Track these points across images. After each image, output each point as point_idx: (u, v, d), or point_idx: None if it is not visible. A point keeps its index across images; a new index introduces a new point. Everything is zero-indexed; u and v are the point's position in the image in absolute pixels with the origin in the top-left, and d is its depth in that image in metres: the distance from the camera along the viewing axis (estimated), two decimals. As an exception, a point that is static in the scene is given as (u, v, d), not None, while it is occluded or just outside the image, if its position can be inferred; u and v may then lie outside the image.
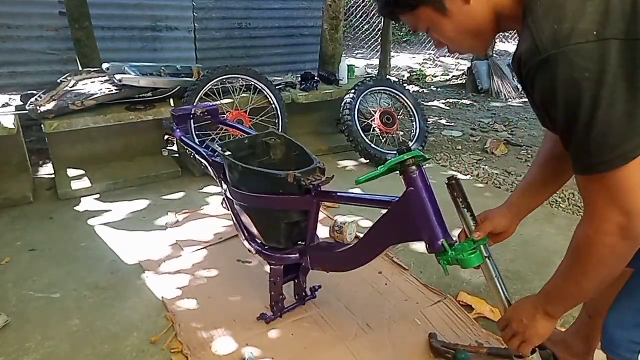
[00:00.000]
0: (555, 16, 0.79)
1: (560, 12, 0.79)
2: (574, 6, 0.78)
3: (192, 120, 2.48)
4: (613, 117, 0.77)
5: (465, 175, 3.45)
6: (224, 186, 1.77)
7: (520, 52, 0.85)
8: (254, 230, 1.73)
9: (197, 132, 3.15)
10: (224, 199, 1.87)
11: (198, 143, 2.14)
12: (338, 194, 1.56)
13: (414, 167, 1.26)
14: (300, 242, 1.70)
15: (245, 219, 1.74)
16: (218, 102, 3.24)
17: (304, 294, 1.87)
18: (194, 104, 3.01)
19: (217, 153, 1.75)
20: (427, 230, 1.26)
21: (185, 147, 2.10)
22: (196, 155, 1.97)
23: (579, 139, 0.82)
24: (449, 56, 8.94)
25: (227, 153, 1.66)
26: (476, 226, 1.23)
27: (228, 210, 1.86)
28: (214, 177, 1.86)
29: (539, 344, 1.14)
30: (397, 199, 1.35)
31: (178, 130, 2.19)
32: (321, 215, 2.62)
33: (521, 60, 0.85)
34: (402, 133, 3.99)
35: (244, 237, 1.80)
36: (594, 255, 0.91)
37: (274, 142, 1.80)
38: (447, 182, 1.23)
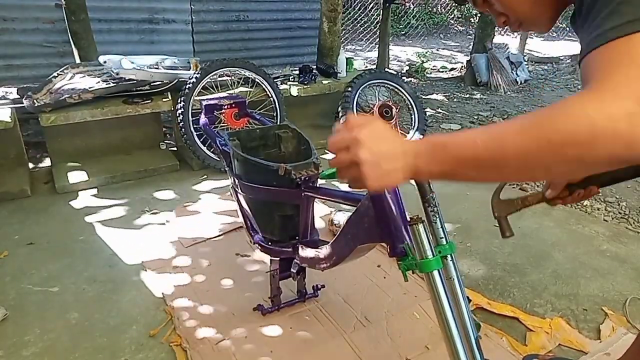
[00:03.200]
0: None
1: None
2: None
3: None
4: None
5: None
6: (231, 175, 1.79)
7: None
8: (253, 220, 1.73)
9: (195, 126, 3.14)
10: (232, 187, 1.88)
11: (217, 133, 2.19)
12: (323, 189, 1.55)
13: None
14: (296, 237, 1.70)
15: (246, 208, 1.75)
16: (216, 96, 3.22)
17: (304, 291, 1.87)
18: (219, 96, 3.05)
19: (225, 141, 1.77)
20: (389, 232, 1.17)
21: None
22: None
23: (595, 9, 0.66)
24: (447, 49, 8.92)
25: (235, 142, 1.67)
26: (438, 221, 1.06)
27: (234, 199, 1.87)
28: (225, 165, 1.89)
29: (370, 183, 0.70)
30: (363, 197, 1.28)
31: (204, 118, 2.29)
32: (323, 210, 2.63)
33: None
34: (400, 126, 3.98)
35: (245, 227, 1.80)
36: (567, 132, 0.60)
37: (286, 135, 1.80)
38: None
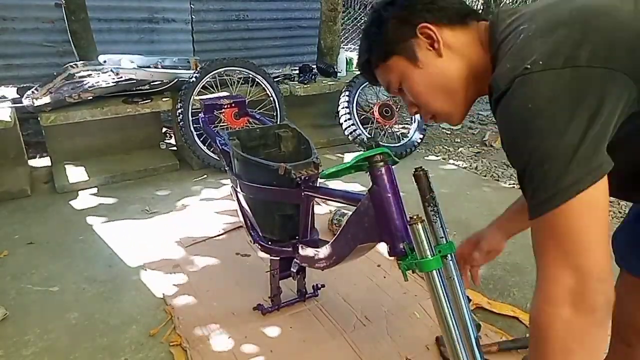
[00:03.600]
0: (510, 58, 0.75)
1: (516, 54, 0.74)
2: (529, 46, 0.73)
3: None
4: (556, 151, 0.68)
5: (464, 168, 3.44)
6: (230, 174, 1.79)
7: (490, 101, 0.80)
8: (253, 220, 1.73)
9: (195, 125, 3.14)
10: (232, 187, 1.88)
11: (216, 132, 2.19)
12: (323, 189, 1.54)
13: (380, 164, 1.19)
14: (296, 237, 1.70)
15: (246, 208, 1.75)
16: (216, 95, 3.22)
17: (304, 290, 1.87)
18: (219, 95, 3.05)
19: (224, 141, 1.76)
20: (389, 232, 1.17)
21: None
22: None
23: (525, 177, 0.73)
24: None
25: (235, 142, 1.67)
26: (438, 220, 1.12)
27: (234, 199, 1.87)
28: (225, 165, 1.89)
29: None
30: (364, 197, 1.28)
31: (203, 117, 2.30)
32: (323, 209, 2.62)
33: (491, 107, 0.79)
34: (401, 125, 3.98)
35: (245, 226, 1.80)
36: (551, 338, 0.72)
37: (286, 135, 1.80)
38: (414, 172, 1.14)
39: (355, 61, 4.39)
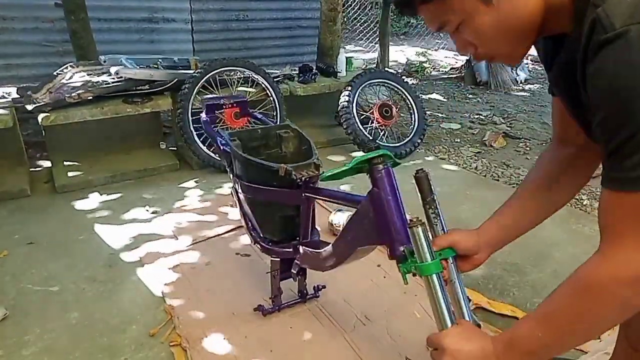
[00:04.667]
0: None
1: None
2: None
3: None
4: None
5: (464, 168, 3.44)
6: (231, 175, 1.79)
7: (576, 38, 0.70)
8: (254, 220, 1.73)
9: (195, 125, 3.14)
10: (232, 187, 1.88)
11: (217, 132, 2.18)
12: (323, 190, 1.54)
13: (380, 167, 1.18)
14: (297, 238, 1.70)
15: (247, 209, 1.75)
16: (217, 95, 3.22)
17: (305, 291, 1.87)
18: (221, 95, 3.03)
19: (225, 141, 1.76)
20: (389, 235, 1.16)
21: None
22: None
23: (625, 141, 0.65)
24: (446, 49, 8.91)
25: (236, 142, 1.66)
26: (439, 223, 1.11)
27: (234, 199, 1.87)
28: (225, 165, 1.89)
29: None
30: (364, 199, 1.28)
31: (205, 117, 2.30)
32: (323, 211, 2.62)
33: (577, 45, 0.69)
34: (401, 126, 3.98)
35: (245, 227, 1.80)
36: (599, 306, 0.74)
37: (287, 135, 1.79)
38: (414, 174, 1.12)
39: (355, 61, 4.40)
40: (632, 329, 1.09)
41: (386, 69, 5.24)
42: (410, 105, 3.78)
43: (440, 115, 4.86)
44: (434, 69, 7.41)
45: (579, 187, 1.10)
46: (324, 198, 1.54)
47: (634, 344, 1.13)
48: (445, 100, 5.56)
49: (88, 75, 3.24)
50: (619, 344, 1.16)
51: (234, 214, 2.61)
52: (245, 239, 2.27)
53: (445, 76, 6.84)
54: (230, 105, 2.38)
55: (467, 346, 0.87)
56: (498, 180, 3.21)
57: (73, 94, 2.99)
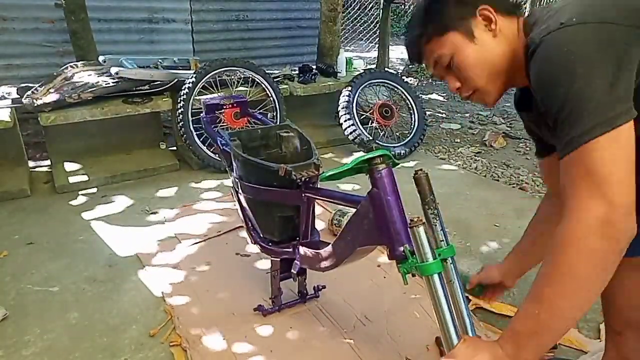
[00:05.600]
0: (545, 21, 0.87)
1: (551, 17, 0.86)
2: (563, 11, 0.85)
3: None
4: (591, 88, 0.77)
5: (464, 168, 3.44)
6: (232, 175, 1.79)
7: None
8: (254, 221, 1.73)
9: (195, 125, 3.14)
10: (232, 187, 1.88)
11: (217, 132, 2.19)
12: (323, 190, 1.54)
13: (380, 167, 1.18)
14: (297, 238, 1.70)
15: (247, 209, 1.75)
16: (217, 95, 3.22)
17: (305, 291, 1.87)
18: (222, 96, 3.03)
19: (225, 141, 1.76)
20: (388, 235, 1.17)
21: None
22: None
23: (561, 117, 0.80)
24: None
25: (236, 142, 1.66)
26: (438, 223, 1.11)
27: (234, 199, 1.87)
28: (225, 165, 1.89)
29: None
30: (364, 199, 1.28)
31: (205, 117, 2.31)
32: (321, 210, 2.62)
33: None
34: (400, 126, 3.98)
35: (246, 227, 1.80)
36: (579, 261, 0.78)
37: (287, 135, 1.79)
38: (414, 175, 1.13)
39: (355, 61, 4.40)
40: (612, 317, 1.14)
41: (386, 69, 5.24)
42: (410, 105, 3.78)
43: (440, 115, 4.86)
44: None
45: None
46: (323, 198, 1.54)
47: (615, 326, 1.16)
48: (445, 100, 5.56)
49: (88, 75, 3.23)
50: (608, 335, 1.20)
51: (234, 214, 2.61)
52: (245, 239, 2.27)
53: (445, 76, 6.83)
54: (230, 106, 2.40)
55: (478, 357, 0.89)
56: (498, 180, 3.21)
57: (73, 94, 2.99)
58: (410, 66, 6.94)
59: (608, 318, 1.16)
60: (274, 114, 3.45)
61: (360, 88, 3.62)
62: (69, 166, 3.18)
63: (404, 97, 3.80)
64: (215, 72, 3.25)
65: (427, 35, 0.99)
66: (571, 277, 0.79)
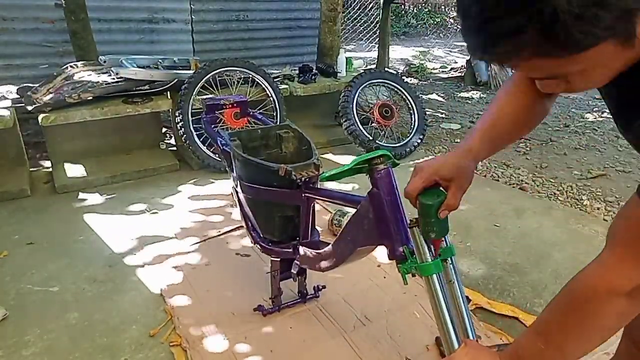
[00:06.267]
0: None
1: None
2: None
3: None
4: None
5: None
6: (232, 175, 1.79)
7: None
8: (254, 221, 1.73)
9: (195, 125, 3.14)
10: (232, 187, 1.88)
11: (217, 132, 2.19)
12: (323, 191, 1.54)
13: (380, 167, 1.18)
14: (297, 238, 1.70)
15: (247, 209, 1.75)
16: (218, 95, 3.22)
17: (305, 291, 1.87)
18: (220, 97, 3.03)
19: (225, 141, 1.77)
20: (388, 235, 1.17)
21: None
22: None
23: None
24: (446, 49, 8.91)
25: (236, 142, 1.66)
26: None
27: (234, 199, 1.87)
28: (225, 165, 1.89)
29: None
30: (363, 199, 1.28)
31: (205, 117, 2.32)
32: (323, 211, 2.62)
33: None
34: (401, 126, 3.98)
35: (246, 227, 1.80)
36: (594, 318, 0.74)
37: (287, 135, 1.79)
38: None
39: (355, 61, 4.39)
40: (637, 329, 1.08)
41: (386, 69, 5.24)
42: (410, 106, 3.78)
43: (440, 115, 4.86)
44: (434, 69, 7.41)
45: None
46: (323, 198, 1.55)
47: (636, 339, 1.11)
48: (445, 100, 5.56)
49: (88, 75, 3.23)
50: (623, 343, 1.16)
51: (234, 214, 2.61)
52: (245, 239, 2.27)
53: (445, 76, 6.84)
54: (230, 106, 2.40)
55: None
56: (498, 180, 3.21)
57: (73, 94, 2.99)
58: (410, 66, 6.95)
59: (632, 334, 1.11)
60: (274, 114, 3.44)
61: (360, 88, 3.62)
62: (69, 166, 3.18)
63: (404, 97, 3.80)
64: (215, 72, 3.25)
65: (547, 53, 0.61)
66: (588, 329, 0.77)
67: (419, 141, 3.67)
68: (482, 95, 5.74)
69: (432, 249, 1.03)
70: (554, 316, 0.82)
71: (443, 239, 1.08)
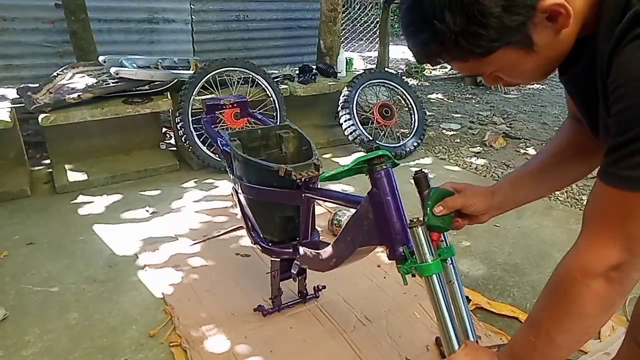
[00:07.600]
0: None
1: None
2: None
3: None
4: None
5: (464, 168, 3.44)
6: (232, 175, 1.79)
7: (604, 36, 0.68)
8: (254, 221, 1.73)
9: (195, 126, 3.14)
10: (232, 187, 1.88)
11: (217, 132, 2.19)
12: (323, 191, 1.54)
13: (380, 167, 1.18)
14: (297, 238, 1.70)
15: (247, 209, 1.75)
16: (218, 95, 3.22)
17: (305, 291, 1.87)
18: (220, 97, 3.04)
19: (225, 141, 1.76)
20: (388, 235, 1.16)
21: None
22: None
23: (633, 139, 0.63)
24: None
25: (236, 142, 1.66)
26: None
27: (234, 200, 1.87)
28: (225, 165, 1.89)
29: None
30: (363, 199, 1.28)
31: (205, 117, 2.31)
32: (321, 210, 2.62)
33: (604, 44, 0.68)
34: (401, 127, 3.98)
35: (246, 227, 1.80)
36: (576, 303, 0.76)
37: (287, 135, 1.79)
38: (413, 175, 1.12)
39: (354, 61, 4.40)
40: (636, 325, 1.09)
41: (386, 69, 5.24)
42: (410, 106, 3.78)
43: (440, 115, 4.86)
44: (434, 69, 7.41)
45: (585, 173, 1.06)
46: (323, 198, 1.55)
47: (637, 337, 1.10)
48: (445, 100, 5.55)
49: (88, 75, 3.23)
50: (625, 343, 1.16)
51: (234, 214, 2.61)
52: (245, 239, 2.27)
53: (445, 76, 6.84)
54: (230, 106, 2.39)
55: None
56: (498, 180, 3.21)
57: (73, 95, 2.99)
58: (411, 66, 6.95)
59: (633, 328, 1.11)
60: (274, 114, 3.44)
61: (360, 88, 3.62)
62: (69, 166, 3.18)
63: (404, 97, 3.80)
64: (215, 72, 3.25)
65: (469, 56, 0.74)
66: (571, 315, 0.77)
67: (419, 141, 3.67)
68: (482, 95, 5.74)
69: (432, 250, 1.03)
70: (540, 307, 0.83)
71: (442, 238, 1.08)
